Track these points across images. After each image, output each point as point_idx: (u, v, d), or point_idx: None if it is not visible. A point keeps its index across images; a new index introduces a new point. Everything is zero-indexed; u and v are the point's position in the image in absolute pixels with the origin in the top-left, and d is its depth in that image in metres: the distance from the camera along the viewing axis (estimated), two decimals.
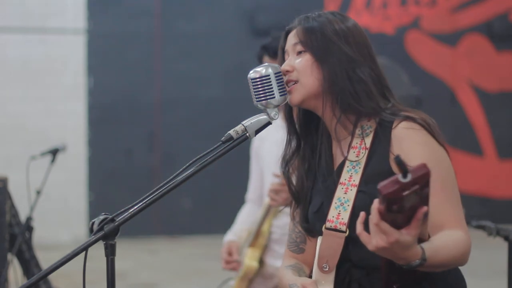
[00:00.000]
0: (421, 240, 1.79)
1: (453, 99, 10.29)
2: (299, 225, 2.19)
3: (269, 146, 3.61)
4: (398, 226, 1.68)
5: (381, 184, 1.62)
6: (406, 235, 1.68)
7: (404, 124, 1.97)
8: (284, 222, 3.50)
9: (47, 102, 9.26)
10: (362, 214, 1.73)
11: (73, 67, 9.39)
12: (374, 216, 1.67)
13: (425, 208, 1.66)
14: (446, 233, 1.90)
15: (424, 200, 1.66)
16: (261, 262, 3.57)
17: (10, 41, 9.21)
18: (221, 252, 3.61)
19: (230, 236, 3.67)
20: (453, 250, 1.88)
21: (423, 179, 1.62)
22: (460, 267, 2.09)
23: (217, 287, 3.75)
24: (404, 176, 1.61)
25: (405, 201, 1.63)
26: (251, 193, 3.78)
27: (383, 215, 1.67)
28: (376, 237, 1.69)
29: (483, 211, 9.74)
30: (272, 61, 3.39)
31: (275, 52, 3.39)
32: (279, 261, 3.49)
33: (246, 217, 3.76)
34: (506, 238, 3.13)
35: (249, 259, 3.54)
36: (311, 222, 2.12)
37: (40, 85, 9.25)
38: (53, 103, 9.28)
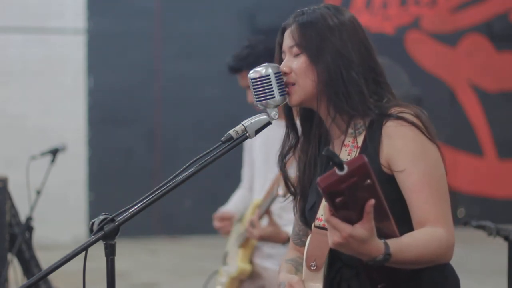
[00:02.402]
0: (389, 237, 1.79)
1: (453, 99, 10.29)
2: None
3: (260, 142, 3.62)
4: (353, 222, 1.70)
5: (320, 178, 1.63)
6: (359, 229, 1.70)
7: (393, 122, 1.97)
8: None
9: (47, 102, 9.26)
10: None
11: (73, 67, 9.39)
12: (325, 214, 1.71)
13: (372, 201, 1.68)
14: (422, 230, 1.90)
15: (372, 192, 1.67)
16: (250, 262, 3.57)
17: (10, 41, 9.21)
18: (214, 216, 3.64)
19: (228, 207, 3.72)
20: (426, 246, 1.86)
21: (360, 170, 1.63)
22: (460, 267, 2.08)
23: (203, 283, 3.76)
24: (341, 169, 1.62)
25: (347, 195, 1.64)
26: (246, 181, 3.80)
27: (333, 212, 1.69)
28: (331, 234, 1.73)
29: (483, 211, 9.74)
30: (244, 74, 3.44)
31: (239, 69, 3.46)
32: (267, 261, 3.50)
33: (238, 203, 3.79)
34: (506, 238, 3.13)
35: (242, 262, 3.53)
36: (307, 218, 2.13)
37: (40, 85, 9.25)
38: (53, 103, 9.28)
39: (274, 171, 3.48)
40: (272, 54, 3.46)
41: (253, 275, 3.56)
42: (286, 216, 3.45)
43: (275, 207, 3.35)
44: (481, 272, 7.21)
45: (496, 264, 5.51)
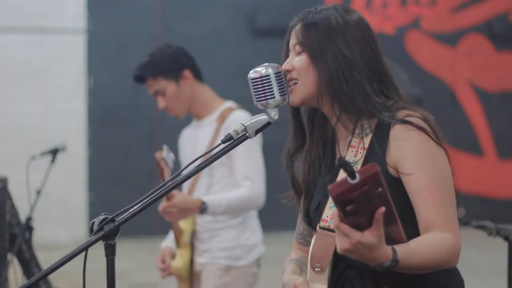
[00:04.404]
0: (396, 242, 1.79)
1: (453, 99, 10.29)
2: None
3: (186, 146, 3.68)
4: (362, 228, 1.70)
5: (331, 186, 1.63)
6: (368, 236, 1.69)
7: (401, 126, 1.97)
8: (203, 220, 3.52)
9: (47, 102, 9.27)
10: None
11: (73, 67, 9.40)
12: (334, 220, 1.70)
13: (382, 209, 1.67)
14: (430, 235, 1.89)
15: (383, 200, 1.67)
16: (192, 261, 3.58)
17: (10, 41, 9.22)
18: (156, 261, 3.63)
19: (165, 242, 3.70)
20: (433, 253, 1.86)
21: (372, 179, 1.63)
22: (460, 267, 2.08)
23: None
24: (352, 177, 1.61)
25: (358, 203, 1.64)
26: None
27: (343, 218, 1.69)
28: (340, 240, 1.72)
29: (483, 211, 9.75)
30: (149, 81, 3.48)
31: (141, 77, 3.50)
32: (200, 257, 3.51)
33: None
34: (506, 238, 3.13)
35: (176, 261, 3.54)
36: (312, 218, 2.13)
37: (40, 85, 9.26)
38: (53, 103, 9.29)
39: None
40: (174, 59, 3.52)
41: (195, 273, 3.57)
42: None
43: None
44: (481, 272, 7.22)
45: (496, 264, 5.51)
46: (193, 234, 3.57)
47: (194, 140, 3.69)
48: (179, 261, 3.53)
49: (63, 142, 4.54)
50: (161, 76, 3.52)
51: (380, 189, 1.64)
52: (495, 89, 10.38)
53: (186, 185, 3.64)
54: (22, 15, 9.23)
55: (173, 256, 3.59)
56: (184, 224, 3.57)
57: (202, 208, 3.29)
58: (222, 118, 3.55)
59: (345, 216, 1.67)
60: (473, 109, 10.34)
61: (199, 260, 3.54)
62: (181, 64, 3.56)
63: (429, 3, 10.22)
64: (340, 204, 1.65)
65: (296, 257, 2.19)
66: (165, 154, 3.24)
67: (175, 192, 3.26)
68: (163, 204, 3.29)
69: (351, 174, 1.61)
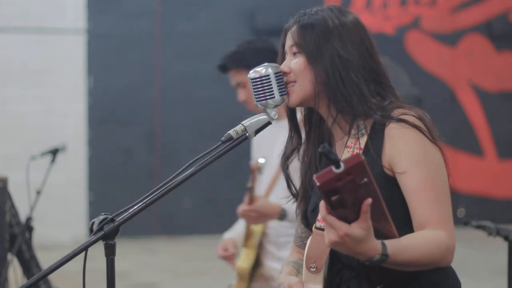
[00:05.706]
0: (388, 237, 1.79)
1: (453, 99, 10.29)
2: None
3: (263, 145, 3.60)
4: (350, 221, 1.70)
5: (316, 176, 1.63)
6: (356, 228, 1.69)
7: (395, 124, 1.97)
8: (280, 224, 3.49)
9: (47, 102, 9.26)
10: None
11: (73, 67, 9.39)
12: (321, 212, 1.70)
13: (369, 200, 1.66)
14: (422, 232, 1.89)
15: (369, 191, 1.66)
16: (260, 263, 3.56)
17: (10, 41, 9.21)
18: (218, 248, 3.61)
19: (229, 234, 3.67)
20: (425, 248, 1.85)
21: (357, 168, 1.62)
22: (460, 267, 2.08)
23: None
24: (337, 166, 1.61)
25: (343, 193, 1.64)
26: None
27: (330, 210, 1.68)
28: (328, 232, 1.72)
29: (483, 211, 9.75)
30: (232, 72, 3.46)
31: (224, 67, 3.49)
32: (275, 263, 3.48)
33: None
34: (506, 238, 3.13)
35: (241, 260, 3.51)
36: (310, 220, 2.13)
37: (40, 85, 9.25)
38: (53, 103, 9.28)
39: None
40: (259, 53, 3.48)
41: (265, 276, 3.54)
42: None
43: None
44: (481, 272, 7.21)
45: (496, 264, 5.51)
46: (263, 236, 3.53)
47: (273, 141, 3.59)
48: (245, 261, 3.49)
49: (63, 142, 4.54)
50: (244, 69, 3.42)
51: (365, 180, 1.64)
52: (495, 89, 10.38)
53: (263, 187, 3.54)
54: (22, 15, 9.23)
55: (234, 246, 3.55)
56: (255, 225, 3.53)
57: (282, 215, 3.25)
58: None
59: (332, 208, 1.67)
60: (473, 109, 10.34)
61: (273, 265, 3.48)
62: (266, 59, 3.50)
63: (429, 3, 10.22)
64: (326, 194, 1.64)
65: (294, 259, 2.19)
66: (262, 165, 3.23)
67: (257, 196, 3.25)
68: (243, 207, 3.25)
69: (336, 163, 1.61)
